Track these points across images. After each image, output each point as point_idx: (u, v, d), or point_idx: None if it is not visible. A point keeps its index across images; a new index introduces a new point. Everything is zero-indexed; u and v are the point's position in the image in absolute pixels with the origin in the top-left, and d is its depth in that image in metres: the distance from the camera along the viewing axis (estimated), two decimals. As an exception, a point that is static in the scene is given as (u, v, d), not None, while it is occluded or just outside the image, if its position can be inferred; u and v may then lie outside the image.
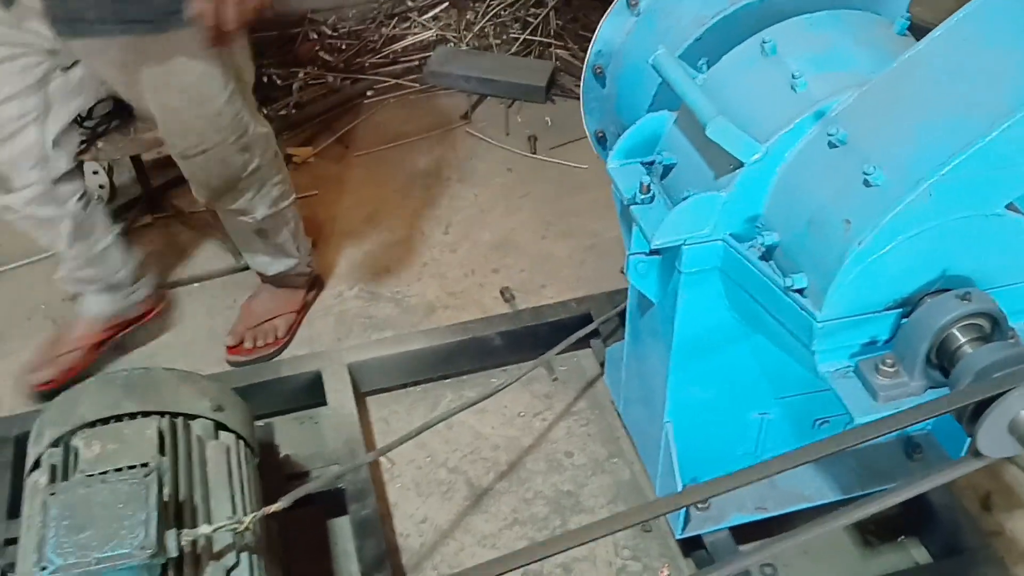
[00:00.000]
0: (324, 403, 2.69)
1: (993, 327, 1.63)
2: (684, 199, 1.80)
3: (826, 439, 1.52)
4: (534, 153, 3.78)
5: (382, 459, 2.61)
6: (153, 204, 3.49)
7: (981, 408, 1.52)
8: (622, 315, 2.69)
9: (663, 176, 1.97)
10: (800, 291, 1.68)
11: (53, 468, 1.74)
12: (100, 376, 1.90)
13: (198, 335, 3.02)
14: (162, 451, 1.72)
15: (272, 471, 2.34)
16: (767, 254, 1.78)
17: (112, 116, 2.98)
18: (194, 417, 1.87)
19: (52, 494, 1.55)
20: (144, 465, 1.66)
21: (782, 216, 1.75)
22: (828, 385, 1.72)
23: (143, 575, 1.51)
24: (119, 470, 1.65)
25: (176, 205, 3.50)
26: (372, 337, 2.99)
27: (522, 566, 1.49)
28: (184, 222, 3.45)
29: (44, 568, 1.44)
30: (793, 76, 1.75)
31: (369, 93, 4.14)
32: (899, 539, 2.38)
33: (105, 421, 1.79)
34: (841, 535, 2.38)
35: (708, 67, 1.95)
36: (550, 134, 3.88)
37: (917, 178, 1.53)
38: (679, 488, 2.17)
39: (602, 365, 2.82)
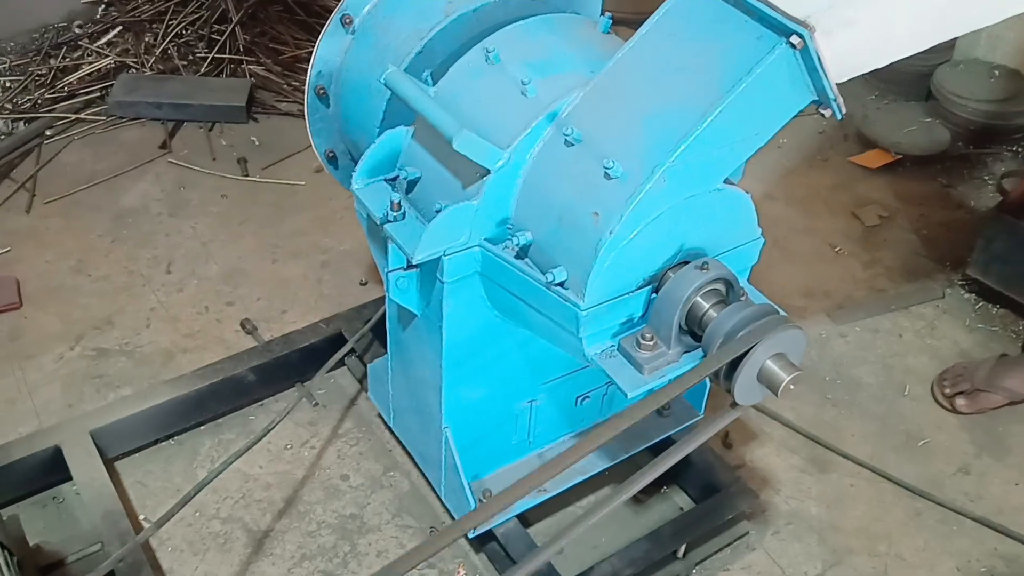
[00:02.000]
0: (68, 479, 2.46)
1: (728, 289, 1.82)
2: (438, 211, 1.84)
3: (605, 424, 1.62)
4: (247, 176, 3.65)
5: (145, 524, 2.43)
6: None
7: (734, 365, 1.71)
8: (375, 329, 2.71)
9: (408, 191, 1.99)
10: (561, 284, 1.78)
11: None
12: None
13: None
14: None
15: (24, 566, 2.11)
16: (522, 253, 1.86)
17: None
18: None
19: None
20: None
21: (532, 216, 1.83)
22: (595, 366, 1.83)
23: None
24: None
25: None
26: (109, 397, 2.76)
27: None
28: None
29: None
30: (522, 83, 1.84)
31: (48, 132, 3.79)
32: (662, 490, 2.59)
33: None
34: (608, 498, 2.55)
35: (433, 79, 2.00)
36: (259, 154, 3.76)
37: (652, 166, 1.67)
38: (467, 490, 2.23)
39: (361, 382, 2.81)
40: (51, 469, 2.44)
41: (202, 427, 2.70)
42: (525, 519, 2.39)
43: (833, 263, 3.39)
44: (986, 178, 3.82)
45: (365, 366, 2.77)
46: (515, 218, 1.87)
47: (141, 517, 2.45)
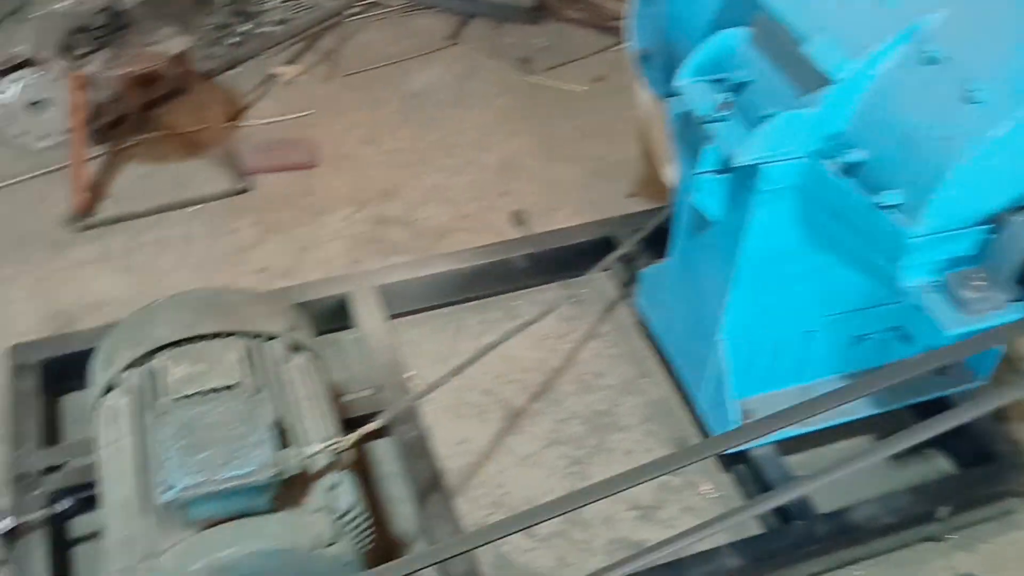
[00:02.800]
0: (346, 327, 2.66)
1: (1078, 244, 1.69)
2: (768, 116, 1.81)
3: (895, 365, 1.56)
4: (528, 75, 3.73)
5: (411, 381, 2.58)
6: (140, 123, 3.32)
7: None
8: (647, 238, 2.72)
9: (735, 93, 1.96)
10: (891, 208, 1.71)
11: (137, 390, 1.67)
12: (172, 297, 1.82)
13: (205, 262, 2.92)
14: (248, 372, 1.66)
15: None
16: (850, 171, 1.80)
17: (107, 29, 2.82)
18: (272, 336, 1.81)
19: (163, 413, 1.49)
20: (229, 387, 1.60)
21: (871, 133, 1.76)
22: (910, 299, 1.76)
23: (262, 494, 1.48)
24: (208, 392, 1.59)
25: (166, 124, 3.34)
26: (387, 261, 2.93)
27: (593, 502, 1.49)
28: (175, 142, 3.30)
29: (171, 488, 1.40)
30: (883, -9, 1.75)
31: (349, 11, 4.00)
32: (924, 451, 2.48)
33: (185, 342, 1.72)
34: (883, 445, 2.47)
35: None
36: (543, 56, 3.82)
37: (1021, 95, 1.56)
38: (730, 405, 2.22)
39: (624, 288, 2.84)
40: (336, 315, 2.63)
41: (469, 303, 2.83)
42: (779, 449, 2.37)
43: None
44: None
45: (630, 273, 2.80)
46: (849, 134, 1.80)
47: (412, 373, 2.60)
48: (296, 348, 1.86)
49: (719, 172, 1.98)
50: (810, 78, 1.78)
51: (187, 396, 1.55)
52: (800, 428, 2.28)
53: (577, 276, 2.75)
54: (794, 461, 2.41)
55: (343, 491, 1.61)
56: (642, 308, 2.62)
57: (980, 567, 2.25)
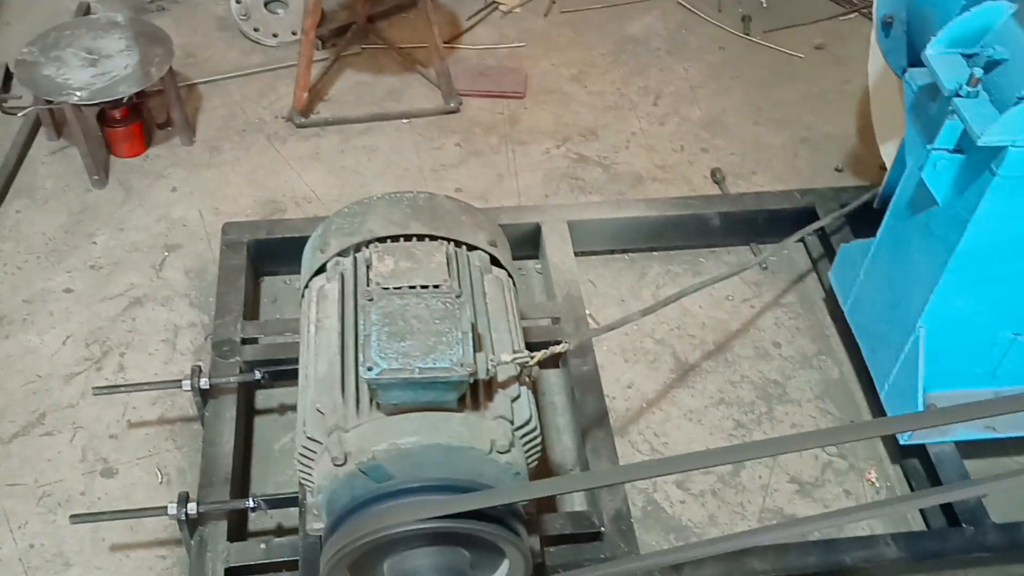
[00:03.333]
0: (534, 256, 2.70)
1: None
2: (1020, 99, 1.70)
3: None
4: (747, 34, 3.63)
5: (589, 319, 2.61)
6: (363, 33, 3.45)
7: None
8: (851, 215, 2.63)
9: (986, 71, 1.85)
10: None
11: (343, 276, 1.77)
12: (386, 195, 1.90)
13: (407, 173, 3.02)
14: (450, 276, 1.72)
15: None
16: (1103, 168, 1.68)
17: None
18: (473, 248, 1.87)
19: (370, 300, 1.57)
20: (436, 287, 1.66)
21: None
22: None
23: (452, 391, 1.54)
24: (413, 287, 1.66)
25: (387, 38, 3.46)
26: (580, 199, 2.95)
27: (743, 460, 1.45)
28: (394, 56, 3.42)
29: (370, 369, 1.48)
30: None
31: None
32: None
33: (394, 239, 1.80)
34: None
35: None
36: (764, 16, 3.71)
37: None
38: (918, 394, 2.13)
39: (815, 262, 2.76)
40: (525, 243, 2.68)
41: (655, 252, 2.82)
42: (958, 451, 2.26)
43: None
44: None
45: (825, 247, 2.72)
46: (1111, 128, 1.67)
47: (587, 312, 2.63)
48: (495, 263, 1.91)
49: (956, 151, 1.88)
50: (1077, 63, 1.66)
51: (395, 288, 1.63)
52: (986, 432, 2.18)
53: (770, 242, 2.70)
54: (973, 467, 2.31)
55: (523, 404, 1.66)
56: (837, 283, 2.53)
57: None
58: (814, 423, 2.43)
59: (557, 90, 3.35)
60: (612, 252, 2.82)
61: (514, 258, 2.71)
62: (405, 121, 3.19)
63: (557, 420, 2.41)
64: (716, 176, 3.04)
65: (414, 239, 1.80)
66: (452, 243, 1.82)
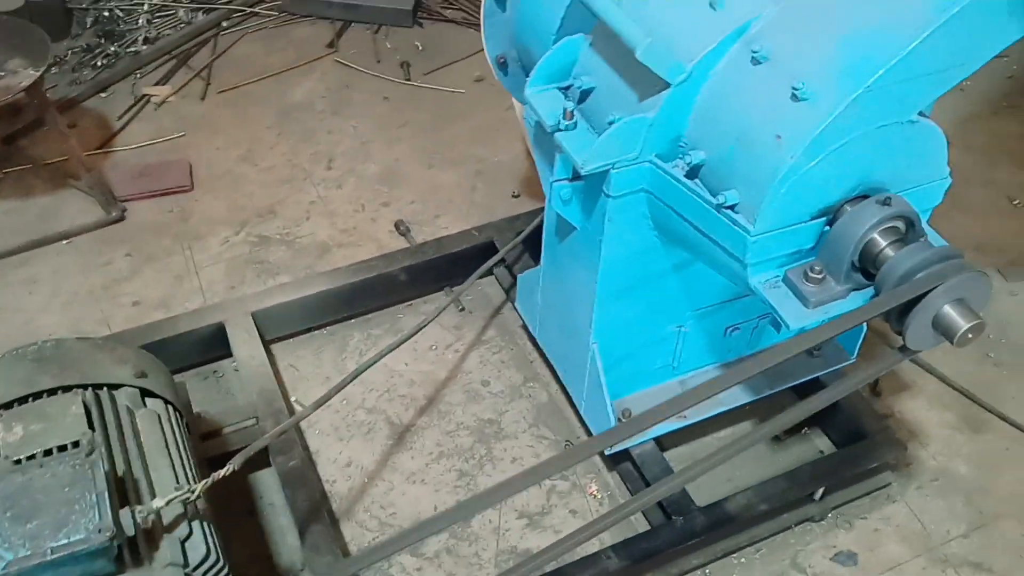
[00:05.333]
0: (228, 355, 2.60)
1: (908, 228, 1.73)
2: (611, 123, 1.80)
3: (755, 356, 1.59)
4: (409, 80, 3.68)
5: (296, 406, 2.55)
6: (3, 157, 3.20)
7: (908, 307, 1.63)
8: (527, 240, 2.71)
9: (581, 100, 1.96)
10: (732, 207, 1.73)
11: (-29, 457, 1.61)
12: (7, 353, 1.75)
13: (76, 298, 2.83)
14: (91, 426, 1.61)
15: (190, 431, 2.24)
16: (693, 172, 1.81)
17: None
18: (118, 386, 1.76)
19: (-14, 485, 1.43)
20: (76, 444, 1.54)
21: (708, 134, 1.77)
22: (758, 295, 1.78)
23: (100, 560, 1.43)
24: (49, 452, 1.53)
25: (31, 156, 3.22)
26: (267, 283, 2.88)
27: (471, 516, 1.47)
28: (41, 174, 3.19)
29: (-5, 564, 1.34)
30: (711, -6, 1.76)
31: (224, 24, 3.91)
32: (803, 431, 2.53)
33: (22, 400, 1.65)
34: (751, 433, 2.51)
35: (616, -13, 1.94)
36: (422, 59, 3.78)
37: (846, 91, 1.59)
38: (609, 407, 2.23)
39: (507, 292, 2.84)
40: (213, 345, 2.57)
41: (352, 320, 2.79)
42: (660, 444, 2.39)
43: (1010, 217, 3.18)
44: None
45: (513, 277, 2.79)
46: (689, 136, 1.81)
47: (292, 399, 2.56)
48: (147, 395, 1.80)
49: (572, 180, 1.98)
50: (649, 82, 1.78)
51: (18, 460, 1.49)
52: (678, 422, 2.31)
53: (461, 283, 2.74)
54: (676, 455, 2.45)
55: (196, 542, 1.57)
56: (523, 310, 2.61)
57: (857, 544, 2.30)
58: (533, 452, 2.49)
59: (226, 174, 3.25)
60: (310, 330, 2.76)
61: (207, 361, 2.65)
62: (66, 242, 2.98)
63: (280, 521, 2.32)
64: (400, 228, 3.06)
65: (44, 395, 1.66)
66: (90, 388, 1.70)
